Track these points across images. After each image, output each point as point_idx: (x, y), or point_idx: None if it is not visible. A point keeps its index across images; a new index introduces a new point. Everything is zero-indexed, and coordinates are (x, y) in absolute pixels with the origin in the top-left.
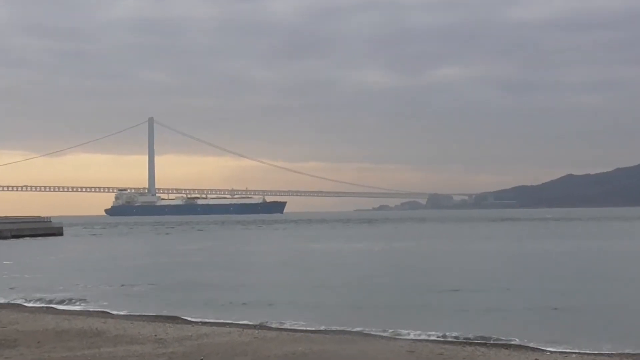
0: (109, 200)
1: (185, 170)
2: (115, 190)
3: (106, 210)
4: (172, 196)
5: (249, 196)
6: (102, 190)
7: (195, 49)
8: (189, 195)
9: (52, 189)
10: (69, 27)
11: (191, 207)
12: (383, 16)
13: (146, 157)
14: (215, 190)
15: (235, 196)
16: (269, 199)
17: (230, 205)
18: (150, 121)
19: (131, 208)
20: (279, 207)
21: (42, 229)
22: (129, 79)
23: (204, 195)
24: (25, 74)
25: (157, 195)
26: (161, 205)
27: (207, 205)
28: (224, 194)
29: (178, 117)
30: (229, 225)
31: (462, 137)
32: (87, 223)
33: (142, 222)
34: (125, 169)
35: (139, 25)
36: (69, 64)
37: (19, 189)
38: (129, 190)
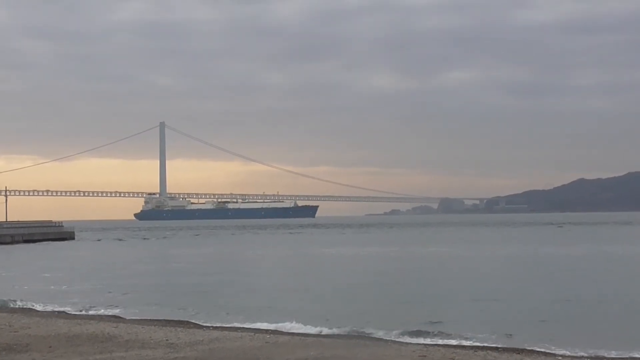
0: (136, 204)
1: (195, 175)
2: (137, 195)
3: (135, 215)
4: (201, 200)
5: (281, 200)
6: (116, 195)
7: (201, 52)
8: (219, 200)
9: (73, 194)
10: (73, 30)
11: (222, 212)
12: (391, 18)
13: (156, 162)
14: (246, 195)
15: (267, 200)
16: (300, 203)
17: (262, 209)
18: (162, 126)
19: (161, 212)
20: (310, 211)
21: (54, 233)
22: (134, 82)
23: (234, 200)
24: (30, 77)
25: (187, 199)
26: (191, 210)
27: (238, 209)
28: (254, 198)
29: (185, 120)
30: (256, 229)
31: (472, 141)
32: (113, 228)
33: (169, 227)
34: (136, 174)
35: (143, 28)
36: (74, 68)
37: (41, 193)
38: (157, 195)
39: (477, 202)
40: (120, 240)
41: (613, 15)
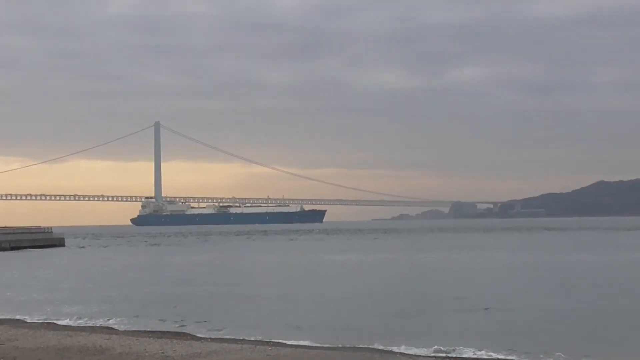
0: (132, 208)
1: (193, 178)
2: (132, 199)
3: (132, 220)
4: (202, 204)
5: (287, 204)
6: (110, 199)
7: (198, 48)
8: (220, 204)
9: (63, 198)
10: (63, 24)
11: (224, 216)
12: (397, 13)
13: (151, 164)
14: (249, 199)
15: (271, 204)
16: (307, 207)
17: (266, 214)
18: (157, 126)
19: (159, 217)
20: (318, 216)
21: (43, 239)
22: (128, 80)
23: (236, 204)
24: (17, 74)
25: (187, 203)
26: (191, 214)
27: (241, 214)
28: (258, 202)
29: (183, 120)
30: (260, 235)
31: (485, 142)
32: (107, 234)
33: (167, 233)
34: (130, 177)
35: (137, 23)
36: (63, 64)
37: (29, 197)
38: (154, 199)
39: (491, 206)
40: (114, 246)
41: (629, 8)
